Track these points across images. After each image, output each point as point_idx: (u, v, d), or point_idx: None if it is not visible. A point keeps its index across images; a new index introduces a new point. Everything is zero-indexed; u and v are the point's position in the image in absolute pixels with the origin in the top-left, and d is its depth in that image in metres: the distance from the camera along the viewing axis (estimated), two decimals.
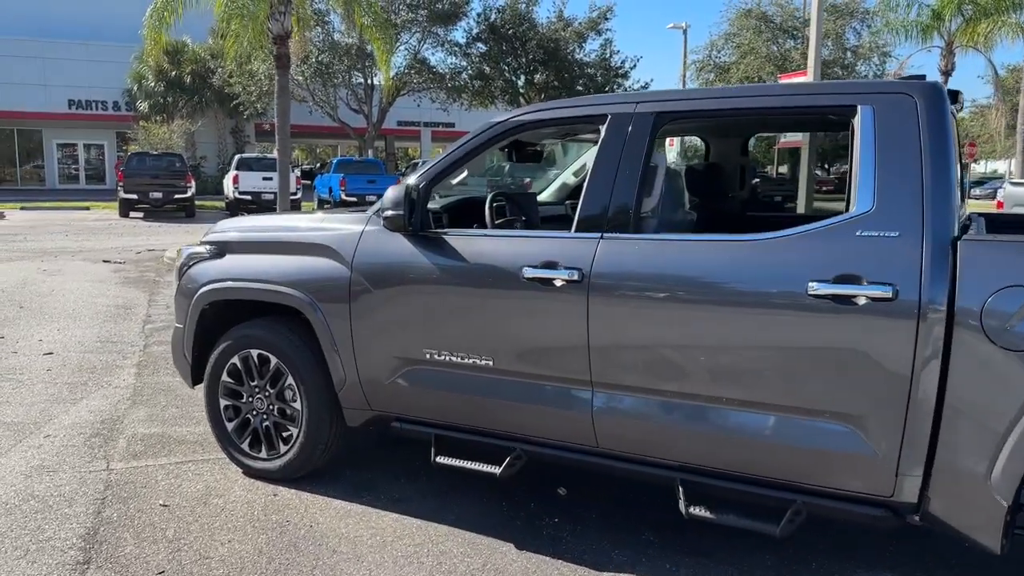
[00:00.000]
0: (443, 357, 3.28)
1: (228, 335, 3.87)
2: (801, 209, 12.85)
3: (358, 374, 3.49)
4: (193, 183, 21.76)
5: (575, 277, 2.94)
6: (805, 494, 2.71)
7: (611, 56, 28.94)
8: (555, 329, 3.03)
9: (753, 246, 2.73)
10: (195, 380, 4.09)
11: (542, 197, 4.93)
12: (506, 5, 27.65)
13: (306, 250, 3.62)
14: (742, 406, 2.74)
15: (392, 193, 3.26)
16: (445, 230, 3.38)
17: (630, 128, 3.02)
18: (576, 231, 3.06)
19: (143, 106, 32.37)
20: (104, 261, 11.94)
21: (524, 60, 27.92)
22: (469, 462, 3.28)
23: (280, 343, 3.68)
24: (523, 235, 3.30)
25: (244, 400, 3.86)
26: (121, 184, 20.73)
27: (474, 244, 3.27)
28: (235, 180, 21.93)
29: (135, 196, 20.63)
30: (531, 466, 3.30)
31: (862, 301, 2.50)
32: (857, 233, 2.56)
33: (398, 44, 27.03)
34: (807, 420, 2.65)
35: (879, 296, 2.47)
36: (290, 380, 3.69)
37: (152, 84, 32.27)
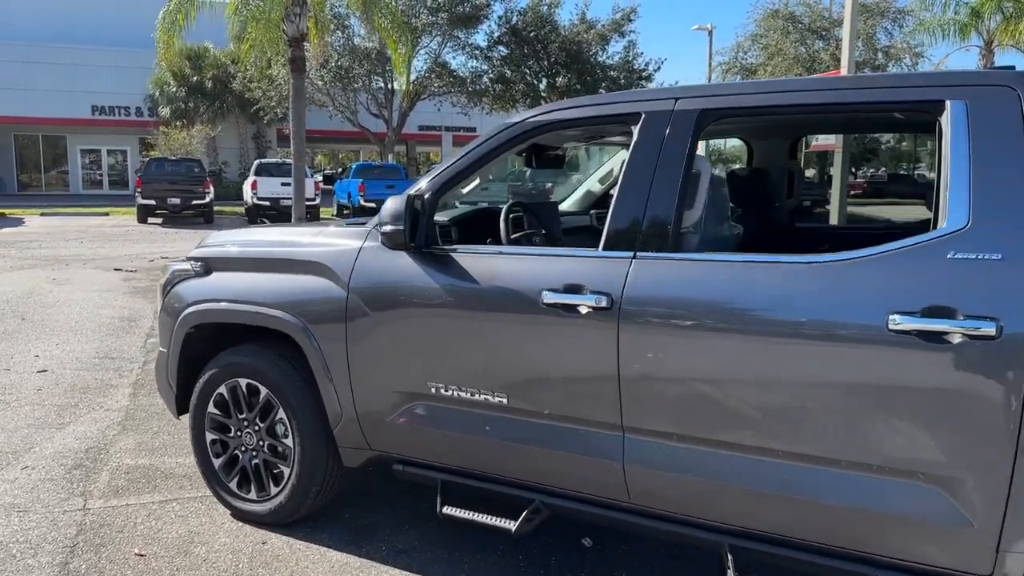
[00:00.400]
0: (450, 392, 2.86)
1: (214, 362, 3.47)
2: (834, 217, 12.27)
3: (355, 409, 3.08)
4: (212, 189, 21.57)
5: (603, 303, 2.50)
6: (881, 568, 2.25)
7: (635, 58, 28.47)
8: (579, 363, 2.60)
9: (819, 270, 2.27)
10: (180, 410, 3.70)
11: (564, 206, 4.50)
12: (528, 7, 27.27)
13: (298, 268, 3.22)
14: (803, 460, 2.29)
15: (392, 205, 2.85)
16: (454, 247, 2.96)
17: (668, 128, 2.58)
18: (604, 249, 2.62)
19: (165, 111, 32.37)
20: (115, 269, 11.68)
21: (546, 63, 27.52)
22: (481, 515, 2.85)
23: (270, 372, 3.28)
24: (542, 253, 2.87)
25: (232, 434, 3.47)
26: (139, 190, 20.57)
27: (486, 263, 2.84)
28: (253, 186, 21.72)
29: (153, 202, 20.46)
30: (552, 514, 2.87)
31: (957, 339, 2.04)
32: (949, 255, 2.11)
33: (418, 48, 26.77)
34: (883, 479, 2.19)
35: (978, 333, 2.02)
36: (281, 414, 3.29)
37: (174, 89, 32.25)
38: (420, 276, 2.90)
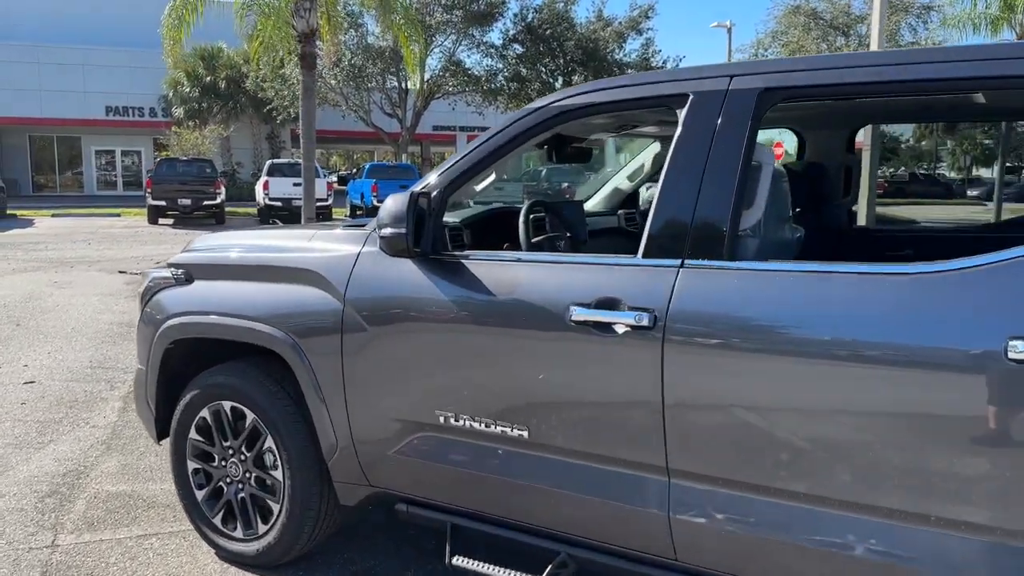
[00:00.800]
0: (462, 423, 2.44)
1: (196, 382, 3.08)
2: (862, 218, 11.72)
3: (352, 440, 2.67)
4: (223, 189, 21.27)
5: (644, 322, 2.08)
6: None
7: (652, 56, 27.97)
8: (615, 393, 2.18)
9: (914, 284, 1.84)
10: (160, 434, 3.31)
11: (588, 206, 4.08)
12: (543, 5, 26.83)
13: (289, 276, 2.82)
14: (890, 517, 1.85)
15: (392, 204, 2.43)
16: (465, 252, 2.54)
17: (722, 112, 2.15)
18: (644, 256, 2.19)
19: (178, 112, 32.17)
20: (120, 272, 11.36)
21: (562, 61, 27.07)
22: (497, 568, 2.43)
23: (257, 395, 2.88)
24: (570, 261, 2.43)
25: (216, 464, 3.07)
26: (149, 191, 20.31)
27: (503, 272, 2.43)
28: (265, 186, 21.42)
29: (163, 203, 20.19)
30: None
31: None
32: None
33: (433, 46, 26.40)
34: (994, 542, 1.76)
35: None
36: (270, 442, 2.88)
37: (187, 90, 32.03)
38: (426, 287, 2.49)
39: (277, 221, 21.36)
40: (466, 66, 28.13)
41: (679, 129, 2.22)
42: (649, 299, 2.11)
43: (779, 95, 2.14)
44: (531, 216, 2.97)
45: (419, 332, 2.52)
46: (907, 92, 2.07)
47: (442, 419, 2.48)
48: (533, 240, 2.93)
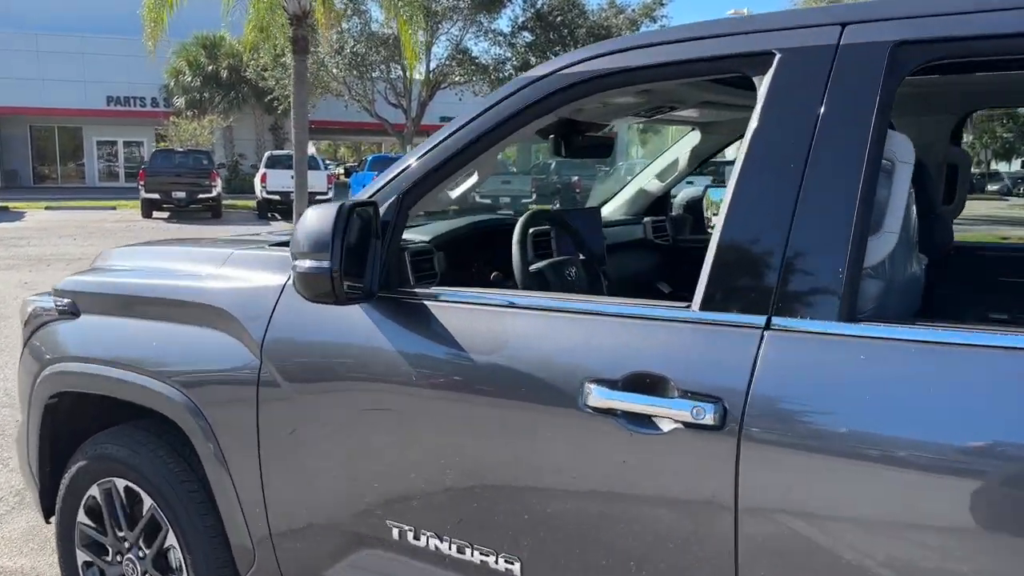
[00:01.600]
0: (422, 541, 1.66)
1: (83, 450, 2.31)
2: None
3: (274, 549, 1.89)
4: (219, 182, 20.52)
5: (707, 418, 1.29)
6: None
7: None
8: (655, 520, 1.39)
9: None
10: (47, 510, 2.54)
11: (606, 211, 3.28)
12: None
13: (190, 315, 2.03)
14: None
15: (313, 220, 1.60)
16: (433, 291, 1.74)
17: (830, 81, 1.35)
18: (704, 308, 1.39)
19: (180, 102, 31.44)
20: None
21: (573, 49, 26.20)
22: None
23: (153, 474, 2.10)
24: (587, 310, 1.59)
25: (110, 558, 2.30)
26: (142, 183, 19.57)
27: (488, 323, 1.63)
28: (263, 179, 20.69)
29: (157, 196, 19.44)
30: None
31: None
32: None
33: (439, 34, 25.59)
34: None
35: None
36: (172, 538, 2.11)
37: (189, 79, 31.28)
38: (375, 340, 1.70)
39: (277, 215, 20.68)
40: (473, 54, 27.26)
41: (759, 108, 1.42)
42: (715, 380, 1.32)
43: (929, 52, 1.33)
44: (530, 231, 2.16)
45: (364, 405, 1.73)
46: None
47: (396, 533, 1.70)
48: (532, 268, 2.11)
